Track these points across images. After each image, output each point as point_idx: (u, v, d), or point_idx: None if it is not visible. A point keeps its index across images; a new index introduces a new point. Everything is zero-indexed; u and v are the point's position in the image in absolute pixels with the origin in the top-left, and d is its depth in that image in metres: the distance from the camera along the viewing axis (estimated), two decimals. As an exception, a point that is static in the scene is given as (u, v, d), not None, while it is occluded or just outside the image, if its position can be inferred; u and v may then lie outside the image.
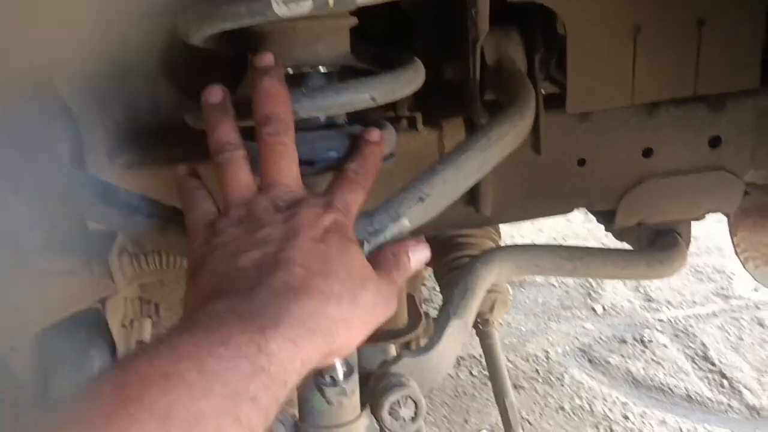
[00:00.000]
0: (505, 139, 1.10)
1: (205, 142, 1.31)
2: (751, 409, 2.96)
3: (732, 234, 1.75)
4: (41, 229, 1.25)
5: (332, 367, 1.01)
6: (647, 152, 1.41)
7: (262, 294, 0.74)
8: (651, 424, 2.92)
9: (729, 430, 2.86)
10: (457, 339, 1.21)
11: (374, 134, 1.03)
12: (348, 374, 1.02)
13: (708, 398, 3.04)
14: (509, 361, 3.37)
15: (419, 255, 0.95)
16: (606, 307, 3.77)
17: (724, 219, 4.45)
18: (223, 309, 0.72)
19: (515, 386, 3.21)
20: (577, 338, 3.53)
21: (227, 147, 0.93)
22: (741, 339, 3.41)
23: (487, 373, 3.31)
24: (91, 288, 1.32)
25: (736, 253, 1.78)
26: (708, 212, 1.50)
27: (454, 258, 1.64)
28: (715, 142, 1.42)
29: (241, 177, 0.92)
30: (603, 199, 1.43)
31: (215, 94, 0.96)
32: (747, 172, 1.45)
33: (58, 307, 1.33)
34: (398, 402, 1.08)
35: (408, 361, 1.15)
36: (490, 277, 1.29)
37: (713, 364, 3.24)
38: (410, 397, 1.09)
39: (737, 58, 1.31)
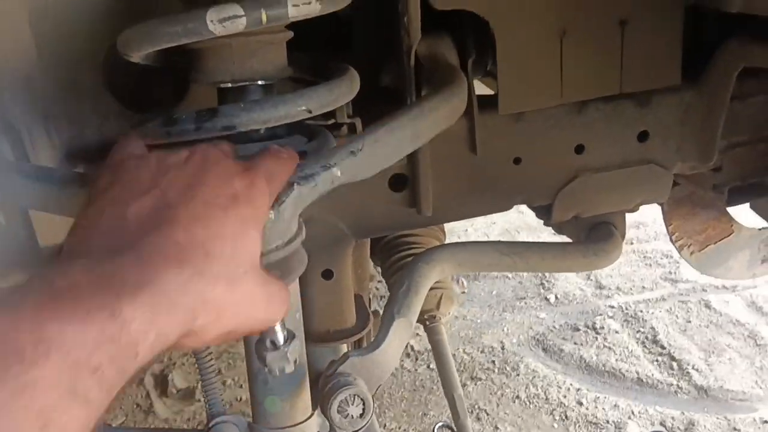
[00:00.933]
0: (438, 112, 1.13)
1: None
2: (700, 389, 3.06)
3: (666, 223, 1.82)
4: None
5: (272, 331, 1.00)
6: (579, 149, 1.47)
7: (128, 258, 0.67)
8: (604, 409, 3.00)
9: (679, 411, 2.95)
10: (402, 337, 1.26)
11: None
12: (289, 338, 1.02)
13: (658, 381, 3.13)
14: (465, 353, 3.44)
15: None
16: (558, 296, 3.86)
17: (670, 205, 4.53)
18: (80, 270, 0.64)
19: (472, 378, 3.28)
20: (531, 328, 3.61)
21: None
22: (689, 322, 3.52)
23: (445, 366, 3.39)
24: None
25: (672, 242, 1.85)
26: (641, 204, 1.57)
27: (400, 258, 1.69)
28: (642, 137, 1.49)
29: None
30: (540, 195, 1.49)
31: None
32: (675, 164, 1.52)
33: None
34: (346, 400, 1.13)
35: (354, 361, 1.19)
36: (432, 275, 1.34)
37: (663, 348, 3.34)
38: (358, 396, 1.13)
39: (659, 57, 1.38)
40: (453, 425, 2.05)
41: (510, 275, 4.13)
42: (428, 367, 3.40)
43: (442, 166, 1.41)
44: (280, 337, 1.04)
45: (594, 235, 1.55)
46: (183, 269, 0.68)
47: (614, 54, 1.35)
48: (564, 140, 1.46)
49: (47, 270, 0.64)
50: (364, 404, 1.13)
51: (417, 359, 3.46)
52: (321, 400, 1.15)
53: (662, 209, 1.82)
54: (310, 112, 1.07)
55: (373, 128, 1.07)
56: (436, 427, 1.98)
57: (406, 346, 3.58)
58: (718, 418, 2.89)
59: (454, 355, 3.43)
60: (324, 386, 1.16)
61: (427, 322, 1.64)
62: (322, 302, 1.44)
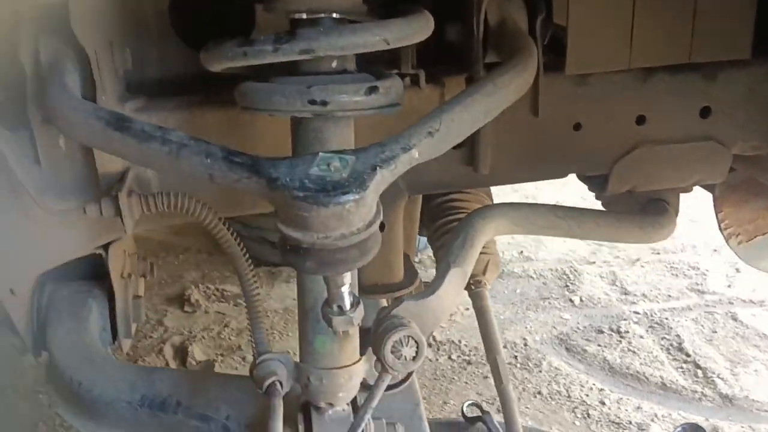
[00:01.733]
0: (510, 87, 1.13)
1: (210, 93, 1.34)
2: (725, 397, 3.02)
3: (716, 210, 1.80)
4: (50, 166, 1.26)
5: (340, 296, 1.02)
6: (641, 119, 1.45)
7: None
8: (627, 410, 2.97)
9: (703, 417, 2.91)
10: (457, 286, 1.24)
11: None
12: (355, 304, 1.04)
13: (682, 387, 3.10)
14: (488, 347, 3.41)
15: None
16: (583, 299, 3.83)
17: (699, 219, 4.53)
18: None
19: (494, 371, 3.25)
20: (554, 327, 3.58)
21: None
22: (715, 332, 3.48)
23: (465, 357, 3.37)
24: (97, 231, 1.33)
25: (720, 229, 1.82)
26: (697, 182, 1.55)
27: (447, 222, 1.67)
28: (705, 112, 1.47)
29: None
30: (597, 164, 1.47)
31: None
32: (736, 144, 1.50)
33: (62, 249, 1.34)
34: (400, 341, 1.11)
35: (409, 305, 1.18)
36: (488, 231, 1.33)
37: (688, 355, 3.30)
38: (412, 337, 1.12)
39: (731, 27, 1.36)
40: (480, 404, 2.03)
41: (534, 275, 4.11)
42: (449, 357, 3.38)
43: (502, 126, 1.39)
44: (347, 303, 1.05)
45: (649, 210, 1.53)
46: None
47: (686, 20, 1.33)
48: (626, 109, 1.44)
49: None
50: (417, 346, 1.12)
51: (438, 349, 3.44)
52: (373, 341, 1.14)
53: (713, 195, 1.79)
54: (387, 43, 1.06)
55: (449, 107, 1.06)
56: (465, 405, 1.95)
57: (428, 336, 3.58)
58: (742, 427, 2.85)
59: (476, 348, 3.42)
60: (377, 327, 1.15)
61: (473, 287, 1.62)
62: (372, 254, 1.43)
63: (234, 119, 1.32)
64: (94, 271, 1.54)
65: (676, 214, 1.57)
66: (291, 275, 4.21)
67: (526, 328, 3.58)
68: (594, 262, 4.25)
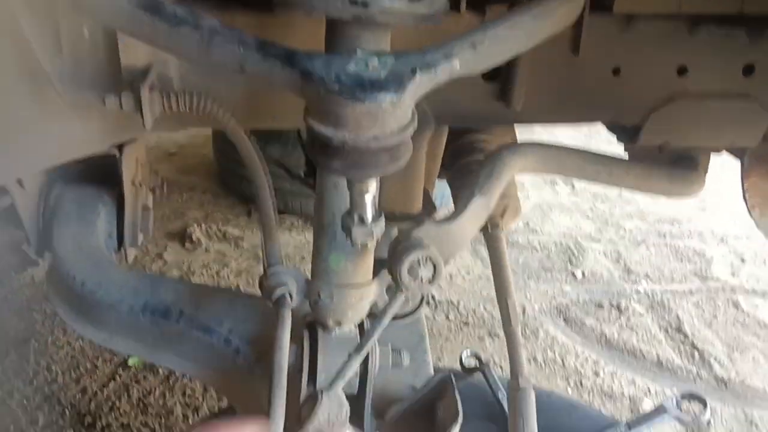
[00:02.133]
0: (559, 11, 1.08)
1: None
2: (719, 380, 3.01)
3: (743, 179, 1.76)
4: (72, 56, 1.22)
5: (362, 206, 0.99)
6: (682, 70, 1.40)
7: None
8: (621, 383, 2.95)
9: (696, 397, 2.90)
10: (479, 215, 1.20)
11: None
12: (376, 217, 1.00)
13: (678, 366, 3.08)
14: (486, 310, 3.40)
15: None
16: (586, 273, 3.80)
17: (708, 206, 4.48)
18: None
19: (490, 334, 3.24)
20: (554, 298, 3.56)
21: None
22: (715, 317, 3.46)
23: (463, 319, 3.35)
24: (114, 127, 1.29)
25: (744, 199, 1.78)
26: (730, 144, 1.50)
27: (468, 162, 1.63)
28: (748, 71, 1.42)
29: None
30: (632, 112, 1.43)
31: None
32: (774, 107, 1.45)
33: (76, 144, 1.29)
34: (418, 261, 1.08)
35: (430, 228, 1.14)
36: (515, 166, 1.29)
37: (686, 336, 3.28)
38: (431, 259, 1.08)
39: (787, -20, 1.31)
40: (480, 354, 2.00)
41: (538, 248, 4.09)
42: (446, 317, 3.36)
43: (539, 62, 1.35)
44: (369, 213, 1.01)
45: (679, 165, 1.49)
46: None
47: (742, -32, 1.28)
48: (668, 58, 1.39)
49: None
50: (434, 269, 1.08)
51: (436, 308, 3.42)
52: (390, 260, 1.10)
53: (741, 165, 1.75)
54: None
55: (494, 23, 1.02)
56: (464, 354, 1.93)
57: (427, 295, 3.56)
58: (735, 410, 2.84)
59: (474, 310, 3.40)
60: (395, 246, 1.11)
61: (489, 229, 1.59)
62: (392, 181, 1.39)
63: (264, 23, 1.27)
64: (104, 178, 1.50)
65: (705, 173, 1.53)
66: (293, 224, 4.19)
67: (526, 296, 3.56)
68: (599, 240, 4.23)
